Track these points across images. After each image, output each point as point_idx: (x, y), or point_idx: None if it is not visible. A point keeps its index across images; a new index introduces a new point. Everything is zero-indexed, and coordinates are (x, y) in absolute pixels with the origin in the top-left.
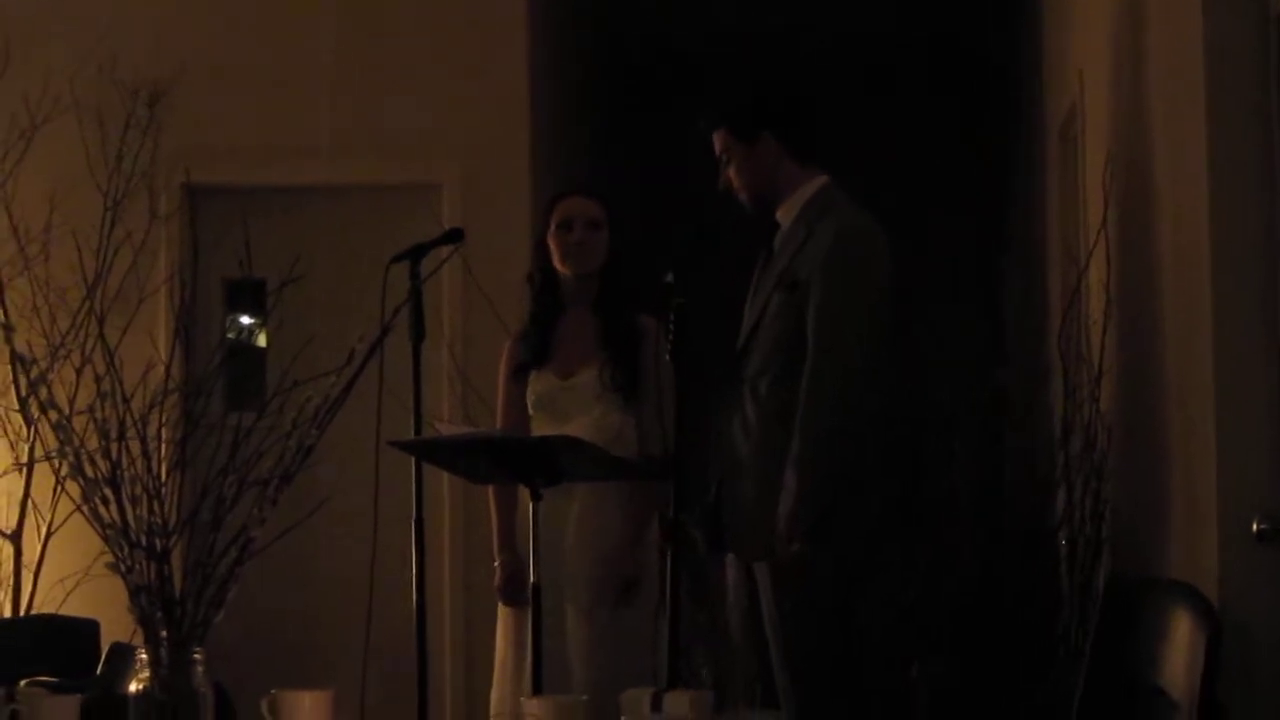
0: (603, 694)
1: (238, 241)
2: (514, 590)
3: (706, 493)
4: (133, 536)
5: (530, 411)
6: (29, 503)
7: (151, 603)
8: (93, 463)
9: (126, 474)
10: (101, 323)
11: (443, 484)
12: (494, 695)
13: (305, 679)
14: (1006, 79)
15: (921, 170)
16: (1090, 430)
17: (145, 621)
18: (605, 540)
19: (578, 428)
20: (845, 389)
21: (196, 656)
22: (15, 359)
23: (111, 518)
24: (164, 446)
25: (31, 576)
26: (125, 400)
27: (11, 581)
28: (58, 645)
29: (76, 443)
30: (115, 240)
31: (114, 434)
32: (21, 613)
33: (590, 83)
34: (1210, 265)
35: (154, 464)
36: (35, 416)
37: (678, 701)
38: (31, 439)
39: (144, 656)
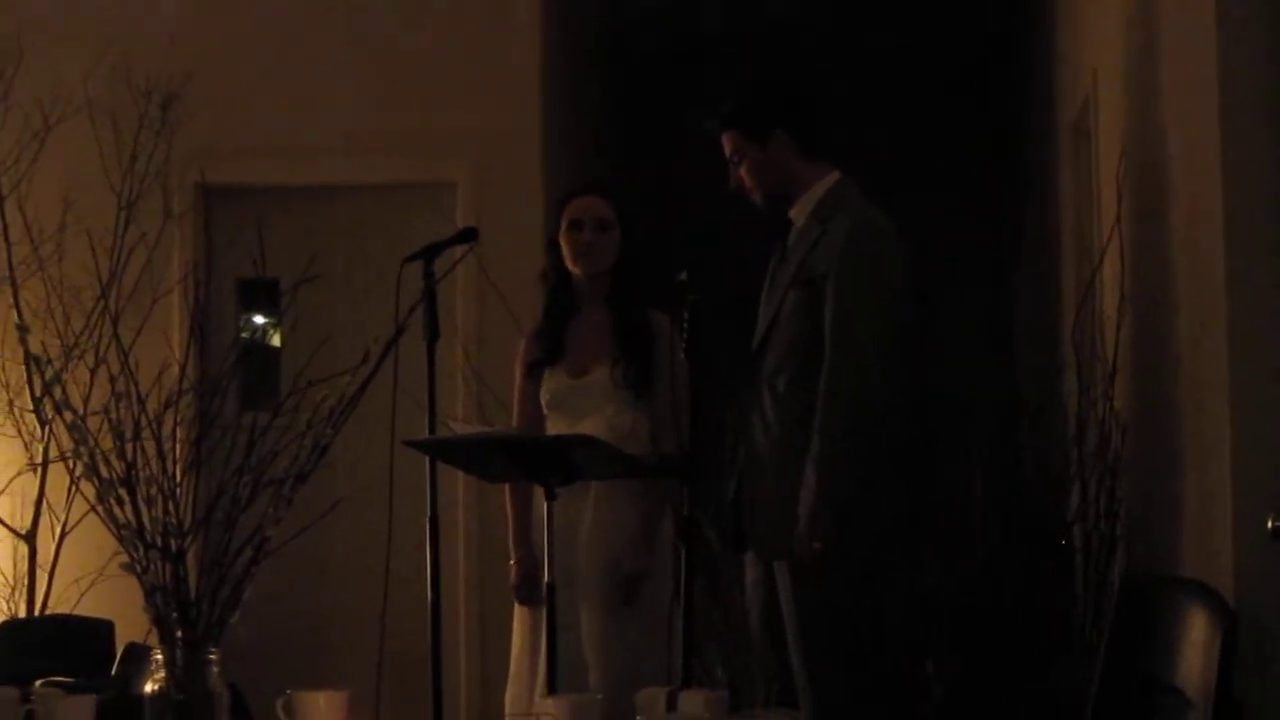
0: (617, 692)
1: (251, 241)
2: (528, 589)
3: (724, 491)
4: (148, 537)
5: (544, 410)
6: (44, 503)
7: (167, 603)
8: (107, 463)
9: (141, 474)
10: (116, 323)
11: (457, 483)
12: (509, 694)
13: (320, 679)
14: (1019, 74)
15: (935, 166)
16: (1104, 427)
17: (160, 622)
18: (618, 538)
19: (590, 426)
20: (861, 387)
21: (212, 657)
22: (30, 359)
23: (126, 518)
24: (179, 446)
25: (46, 576)
26: (140, 400)
27: (26, 581)
28: (73, 645)
29: (91, 443)
30: (129, 240)
31: (129, 434)
32: (36, 613)
33: (603, 81)
34: (1224, 261)
35: (169, 464)
36: (50, 417)
37: (693, 700)
38: (46, 439)
39: (159, 657)
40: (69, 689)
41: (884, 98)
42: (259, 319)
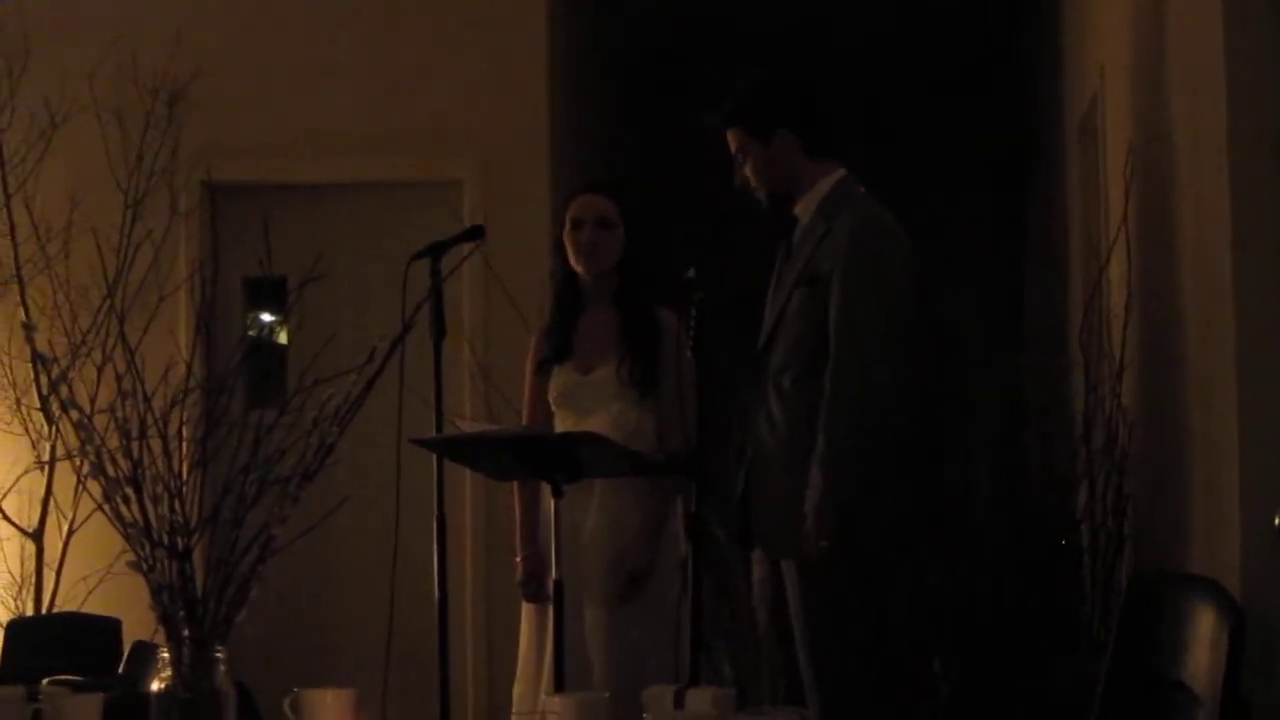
0: (622, 689)
1: (258, 239)
2: (534, 586)
3: (732, 489)
4: (154, 535)
5: (552, 407)
6: (51, 501)
7: (173, 601)
8: (114, 462)
9: (148, 473)
10: (122, 321)
11: (464, 481)
12: (516, 691)
13: (327, 677)
14: (1028, 71)
15: (943, 163)
16: (1112, 425)
17: (167, 620)
18: (623, 536)
19: (596, 423)
20: (866, 385)
21: (219, 655)
22: (36, 358)
23: (133, 516)
24: (185, 445)
25: (53, 575)
26: (146, 399)
27: (34, 580)
28: (80, 644)
29: (98, 442)
30: (136, 239)
31: (135, 433)
32: (44, 611)
33: (610, 78)
34: (1232, 259)
35: (175, 462)
36: (56, 415)
37: (700, 698)
38: (53, 438)
39: (166, 655)
40: (76, 687)
41: (890, 95)
42: (266, 317)
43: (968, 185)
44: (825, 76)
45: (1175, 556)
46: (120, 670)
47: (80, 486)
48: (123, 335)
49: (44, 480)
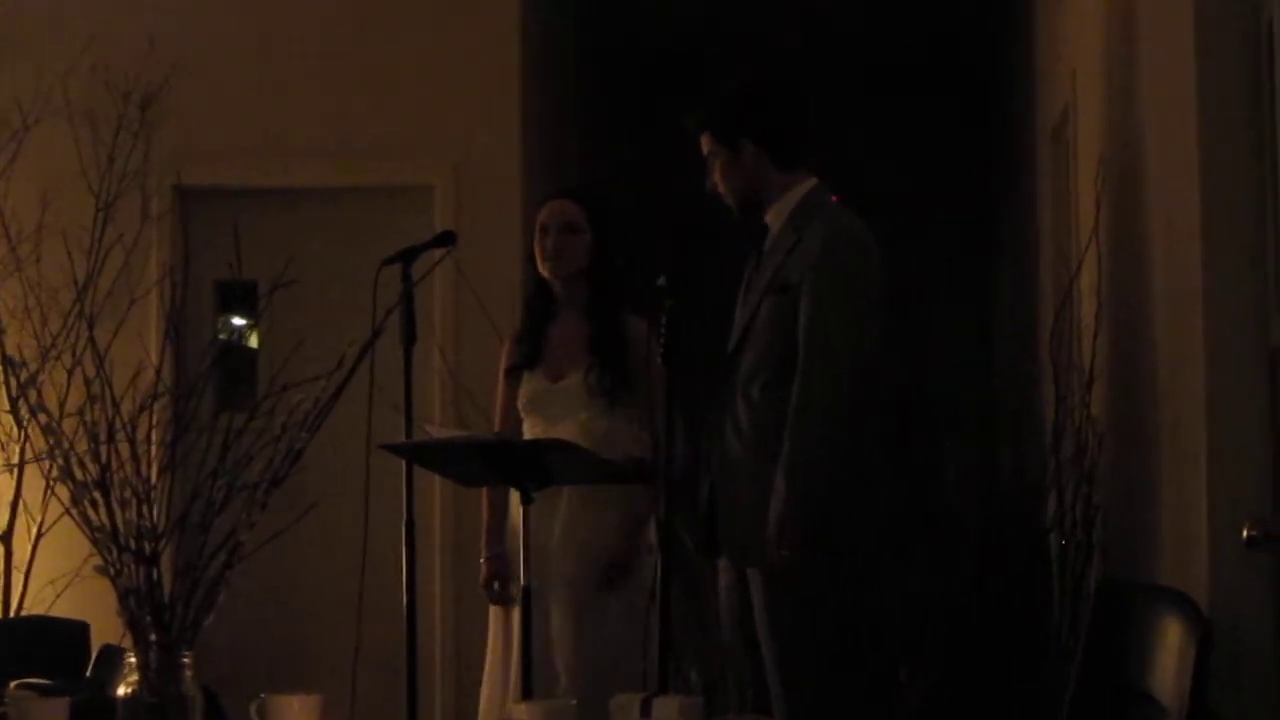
0: (588, 695)
1: (229, 243)
2: (497, 588)
3: (698, 497)
4: (122, 540)
5: (521, 414)
6: (20, 504)
7: (141, 606)
8: (82, 465)
9: (116, 477)
10: (91, 325)
11: (434, 487)
12: (483, 696)
13: (295, 683)
14: (1000, 79)
15: (915, 171)
16: (1081, 435)
17: (134, 625)
18: (591, 542)
19: (564, 430)
20: (834, 395)
21: (185, 660)
22: (6, 361)
23: (100, 521)
24: (154, 449)
25: (22, 578)
26: (114, 403)
27: (2, 583)
28: (47, 647)
29: (66, 445)
30: (107, 242)
31: (103, 436)
32: (11, 614)
33: (583, 84)
34: (1201, 270)
35: (143, 467)
36: (25, 419)
37: (667, 707)
38: (22, 440)
39: (133, 660)
40: (43, 691)
41: (865, 103)
42: (236, 321)
43: (940, 193)
44: (794, 81)
45: (1144, 566)
46: (88, 674)
47: (49, 490)
48: (92, 340)
49: (12, 483)
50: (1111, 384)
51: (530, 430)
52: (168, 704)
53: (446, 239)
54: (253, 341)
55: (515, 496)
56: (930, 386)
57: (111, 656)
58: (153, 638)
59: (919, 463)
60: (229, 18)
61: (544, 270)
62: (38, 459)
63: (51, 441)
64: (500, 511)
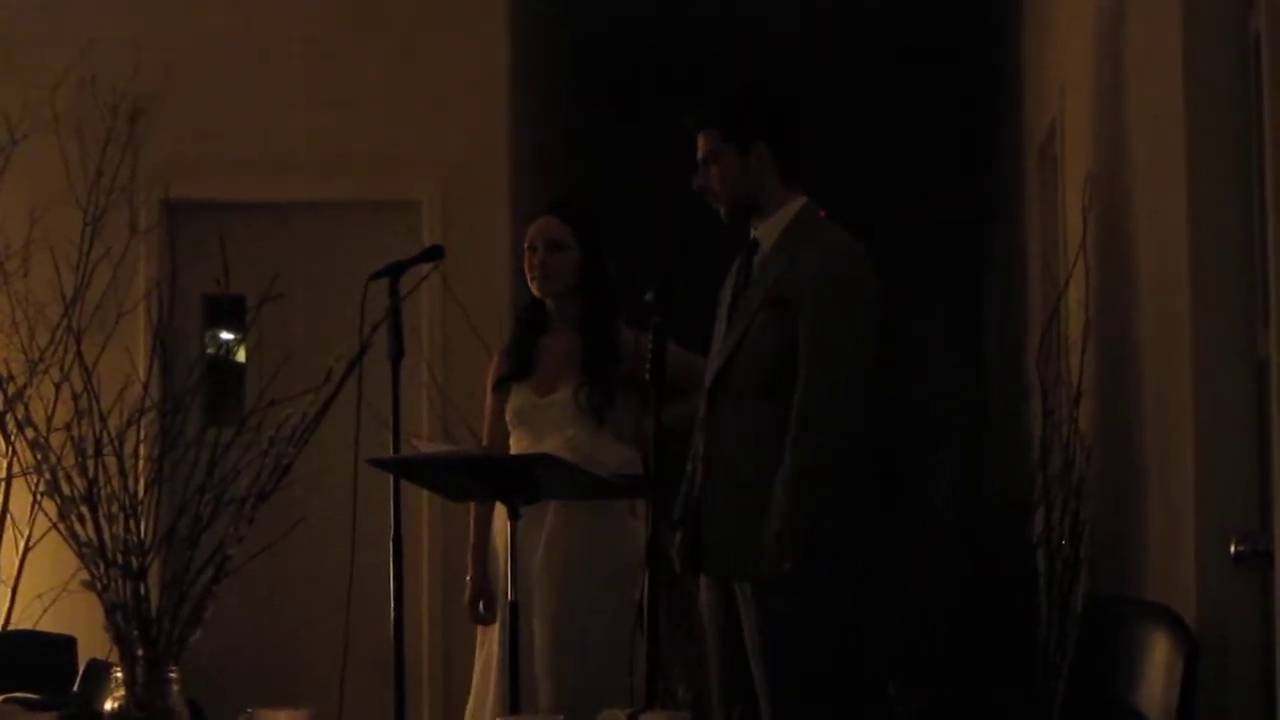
0: (574, 712)
1: (217, 257)
2: (480, 608)
3: (683, 514)
4: (109, 554)
5: (509, 427)
6: (7, 518)
7: (128, 621)
8: (69, 480)
9: (103, 491)
10: (79, 340)
11: (422, 502)
12: (469, 711)
13: (282, 697)
14: (990, 94)
15: (905, 184)
16: (1069, 451)
17: (121, 640)
18: (576, 558)
19: (551, 446)
20: (836, 410)
21: (172, 675)
22: None
23: (88, 535)
24: (141, 463)
25: (9, 592)
26: (102, 418)
27: None
28: (34, 661)
29: (53, 460)
30: (95, 256)
31: (90, 451)
32: None
33: (571, 97)
34: (1189, 286)
35: (131, 481)
36: (13, 433)
37: None
38: (9, 455)
39: (119, 675)
40: (30, 705)
41: (853, 115)
42: (224, 335)
43: (932, 205)
44: (787, 95)
45: (1131, 582)
46: (75, 689)
47: (36, 504)
48: (79, 354)
49: (0, 497)
50: (1099, 399)
51: (517, 444)
52: (154, 719)
53: (434, 253)
54: (240, 356)
55: (499, 515)
56: (918, 400)
57: (98, 671)
58: (139, 652)
59: (907, 477)
60: (217, 32)
61: (533, 289)
62: (25, 473)
63: (39, 456)
64: (484, 529)
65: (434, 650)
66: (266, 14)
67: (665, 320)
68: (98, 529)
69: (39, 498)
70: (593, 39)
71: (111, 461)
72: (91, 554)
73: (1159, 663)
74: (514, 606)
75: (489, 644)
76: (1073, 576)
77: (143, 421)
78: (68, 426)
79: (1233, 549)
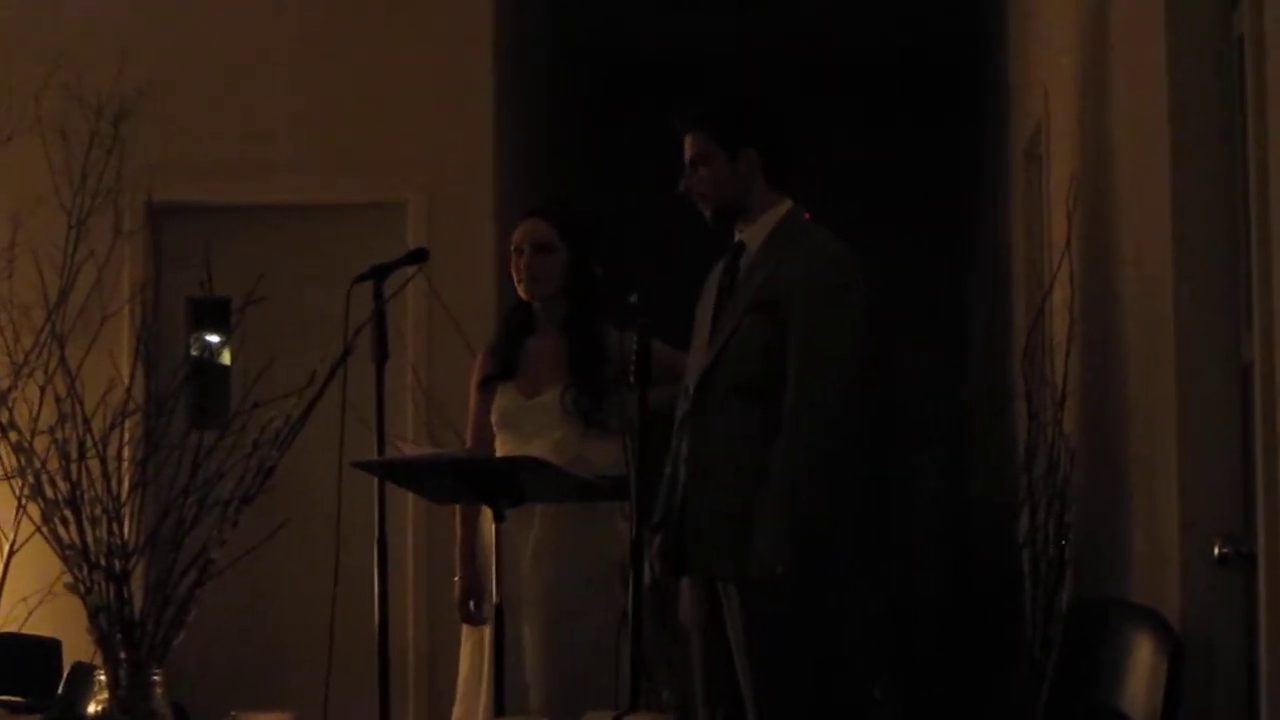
0: (560, 714)
1: (201, 260)
2: (470, 608)
3: (663, 516)
4: (92, 557)
5: (494, 428)
6: None
7: (111, 624)
8: (53, 484)
9: (87, 495)
10: (63, 343)
11: (406, 504)
12: (455, 714)
13: (267, 700)
14: (975, 96)
15: (889, 186)
16: (1053, 453)
17: (104, 642)
18: (563, 560)
19: (537, 449)
20: (827, 412)
21: (156, 677)
22: None
23: (71, 538)
24: (125, 466)
25: None
26: (85, 421)
27: None
28: (19, 664)
29: (37, 464)
30: (79, 258)
31: (74, 455)
32: None
33: (556, 101)
34: (1173, 288)
35: (114, 484)
36: None
37: None
38: None
39: (103, 677)
40: (14, 709)
41: (837, 118)
42: (209, 338)
43: (916, 207)
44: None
45: (1116, 584)
46: (59, 691)
47: (20, 508)
48: (63, 359)
49: None
50: (1084, 401)
51: (503, 447)
52: None
53: (419, 256)
54: (225, 359)
55: (487, 514)
56: (903, 402)
57: (83, 674)
58: (123, 655)
59: (892, 478)
60: (201, 35)
61: (520, 291)
62: (9, 477)
63: (23, 459)
64: (473, 530)
65: (419, 652)
66: (251, 17)
67: (650, 322)
68: (81, 532)
69: (23, 501)
70: (578, 39)
71: (95, 464)
72: (75, 557)
73: (1143, 664)
74: (499, 609)
75: (476, 645)
76: (1057, 578)
77: (126, 424)
78: (51, 430)
79: (1216, 551)
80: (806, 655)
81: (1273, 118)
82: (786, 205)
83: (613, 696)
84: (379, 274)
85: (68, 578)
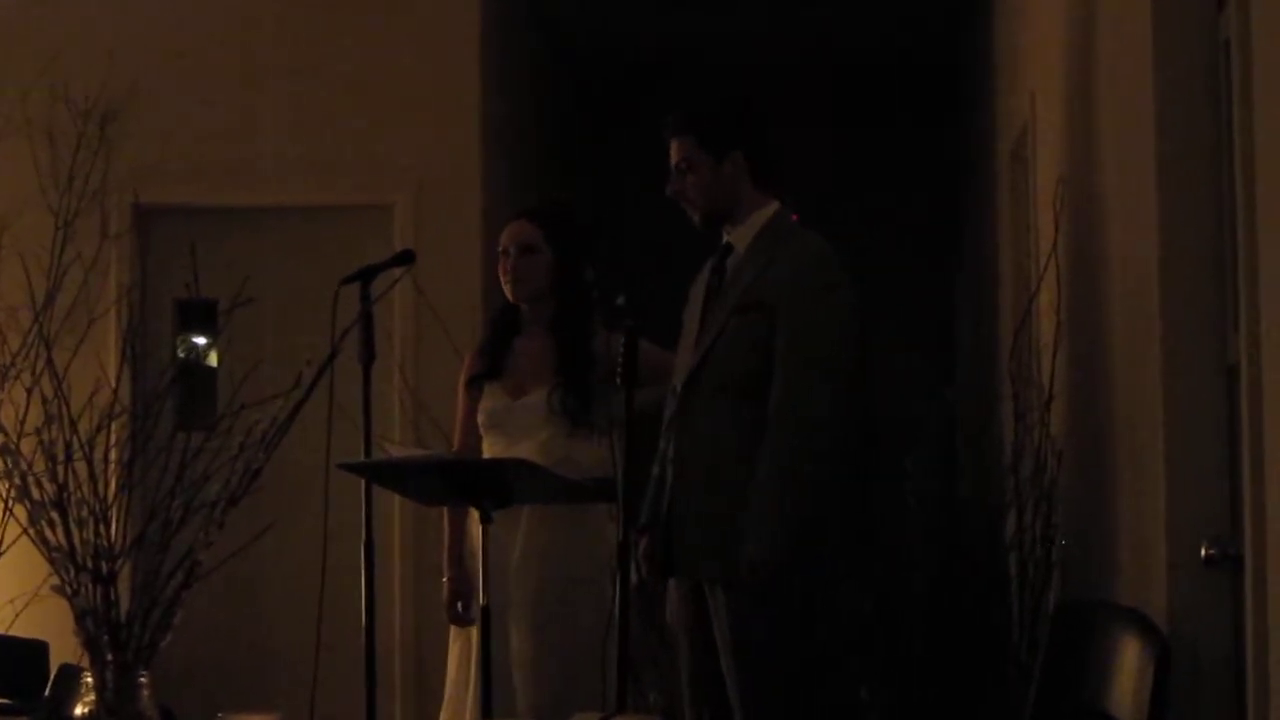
0: (544, 715)
1: (188, 262)
2: (458, 609)
3: (650, 518)
4: (79, 559)
5: (481, 430)
6: None
7: (98, 626)
8: (39, 485)
9: (73, 496)
10: (49, 346)
11: (393, 505)
12: (443, 716)
13: (254, 701)
14: (962, 98)
15: (877, 187)
16: (1040, 454)
17: (91, 644)
18: (551, 562)
19: (524, 450)
20: (815, 410)
21: (143, 679)
22: None
23: (58, 540)
24: (112, 468)
25: None
26: (72, 423)
27: None
28: (6, 666)
29: (23, 466)
30: (66, 261)
31: (60, 457)
32: None
33: (545, 100)
34: (1159, 290)
35: (101, 486)
36: None
37: None
38: None
39: (90, 680)
40: (1, 711)
41: (826, 120)
42: (196, 340)
43: (904, 207)
44: (758, 102)
45: (1102, 586)
46: (46, 694)
47: (7, 509)
48: (50, 360)
49: None
50: (1070, 402)
51: (490, 449)
52: None
53: (406, 258)
54: (212, 360)
55: (475, 515)
56: (890, 404)
57: (70, 676)
58: (109, 657)
59: (879, 480)
60: (188, 37)
61: (507, 293)
62: None
63: (9, 461)
64: (461, 531)
65: (406, 653)
66: (238, 20)
67: (637, 324)
68: (68, 534)
69: (9, 503)
70: (567, 41)
71: (82, 466)
72: (62, 559)
73: (1130, 666)
74: (485, 611)
75: (464, 647)
76: (1044, 580)
77: (113, 426)
78: (38, 431)
79: (1203, 552)
80: (793, 657)
81: (1258, 121)
82: (774, 207)
83: (600, 698)
84: (366, 275)
85: (54, 580)
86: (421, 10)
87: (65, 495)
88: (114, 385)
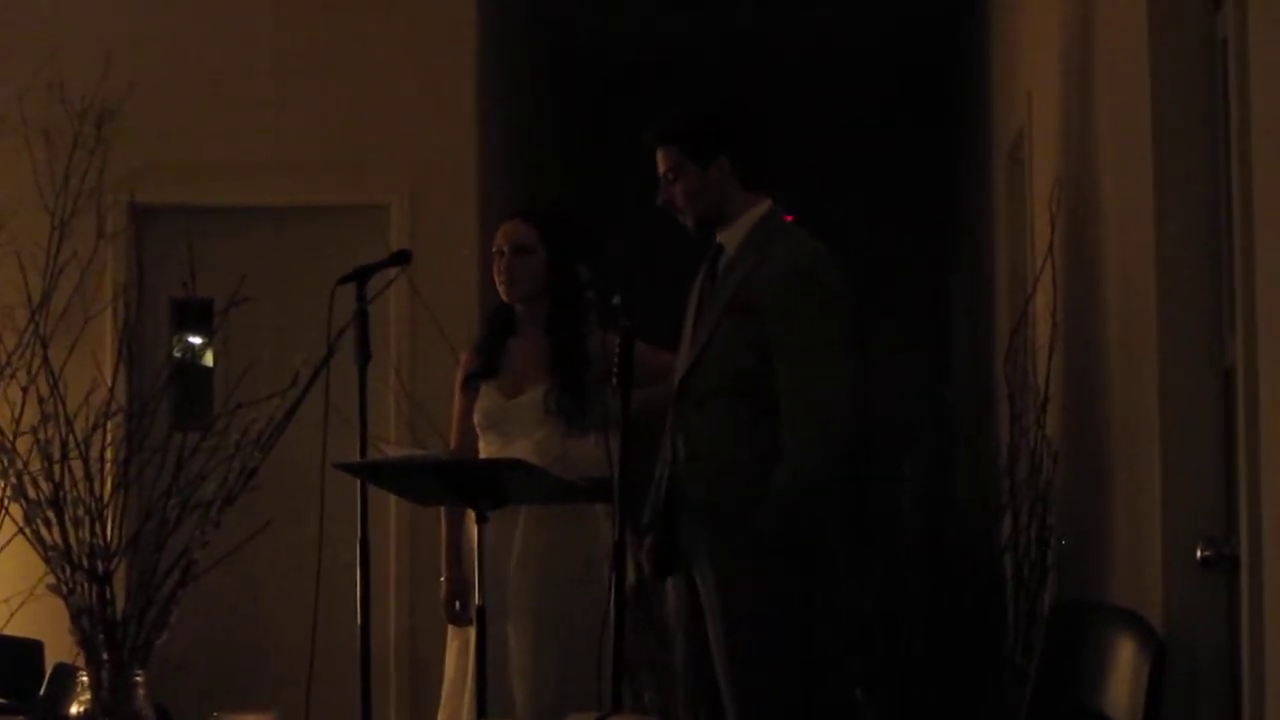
0: (542, 715)
1: (184, 261)
2: (456, 608)
3: (651, 519)
4: (75, 558)
5: (477, 429)
6: None
7: (93, 625)
8: (35, 485)
9: (69, 496)
10: (45, 345)
11: (389, 505)
12: (440, 716)
13: (249, 700)
14: (959, 98)
15: (873, 188)
16: (1036, 455)
17: (87, 643)
18: (548, 562)
19: (520, 449)
20: (820, 412)
21: (138, 679)
22: None
23: (54, 539)
24: (107, 467)
25: None
26: (68, 422)
27: None
28: (1, 666)
29: (19, 465)
30: (62, 260)
31: (56, 456)
32: None
33: (541, 100)
34: (1156, 291)
35: (97, 485)
36: None
37: None
38: None
39: (85, 678)
40: None
41: (821, 120)
42: (192, 339)
43: (899, 208)
44: (755, 103)
45: (1098, 587)
46: (41, 693)
47: (2, 508)
48: (46, 359)
49: None
50: (1066, 404)
51: (486, 448)
52: None
53: (401, 258)
54: (208, 360)
55: (472, 515)
56: (885, 406)
57: (65, 675)
58: (105, 656)
59: (875, 481)
60: (184, 36)
61: (501, 293)
62: None
63: (5, 460)
64: (458, 531)
65: (401, 653)
66: (233, 19)
67: (633, 324)
68: (64, 533)
69: (5, 502)
70: (562, 41)
71: (78, 465)
72: (57, 558)
73: (1126, 667)
74: (481, 611)
75: (462, 647)
76: (1040, 581)
77: (109, 425)
78: (34, 431)
79: (1199, 553)
80: (788, 657)
81: (1255, 121)
82: (765, 206)
83: (596, 698)
84: (362, 275)
85: (50, 579)
86: (418, 10)
87: (61, 494)
88: (110, 385)
